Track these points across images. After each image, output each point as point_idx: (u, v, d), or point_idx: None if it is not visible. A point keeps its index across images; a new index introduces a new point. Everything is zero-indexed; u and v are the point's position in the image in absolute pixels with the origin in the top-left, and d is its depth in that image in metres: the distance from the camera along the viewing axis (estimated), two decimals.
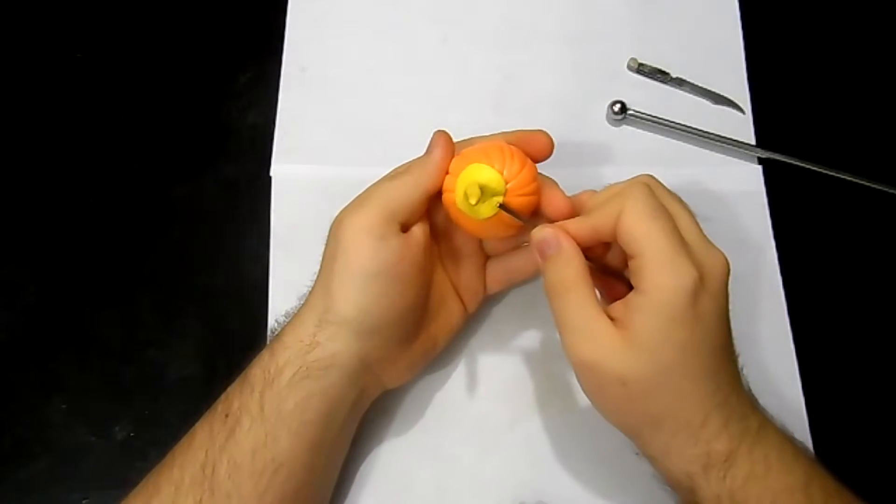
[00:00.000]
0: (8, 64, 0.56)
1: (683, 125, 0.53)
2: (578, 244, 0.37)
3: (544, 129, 0.42)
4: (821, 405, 0.47)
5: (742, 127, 0.54)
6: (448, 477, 0.45)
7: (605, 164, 0.53)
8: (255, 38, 0.57)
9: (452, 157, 0.41)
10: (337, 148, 0.53)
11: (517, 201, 0.39)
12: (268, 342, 0.41)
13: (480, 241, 0.45)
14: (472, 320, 0.47)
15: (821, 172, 0.52)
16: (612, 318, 0.35)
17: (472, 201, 0.38)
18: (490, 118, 0.54)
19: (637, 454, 0.39)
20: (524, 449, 0.46)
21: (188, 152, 0.54)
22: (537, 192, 0.40)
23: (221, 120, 0.55)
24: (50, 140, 0.54)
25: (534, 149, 0.41)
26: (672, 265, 0.34)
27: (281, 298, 0.49)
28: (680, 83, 0.55)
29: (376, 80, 0.55)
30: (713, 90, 0.54)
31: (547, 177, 0.41)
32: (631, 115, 0.54)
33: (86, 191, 0.53)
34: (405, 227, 0.40)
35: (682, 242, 0.35)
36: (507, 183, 0.38)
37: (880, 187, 0.52)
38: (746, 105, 0.54)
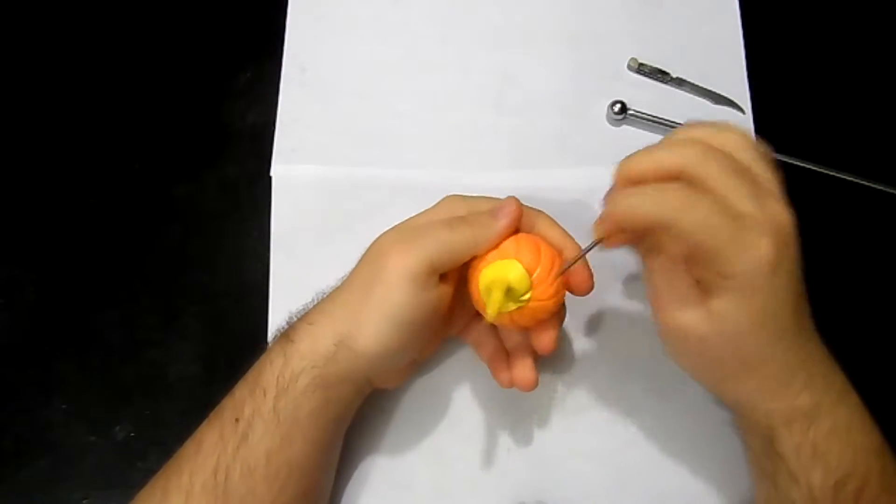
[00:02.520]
0: (8, 64, 0.56)
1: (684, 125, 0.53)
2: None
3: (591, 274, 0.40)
4: None
5: (742, 127, 0.54)
6: (448, 477, 0.45)
7: (605, 164, 0.52)
8: (255, 38, 0.57)
9: (517, 229, 0.40)
10: (337, 148, 0.53)
11: (525, 316, 0.39)
12: (274, 340, 0.41)
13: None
14: None
15: (821, 172, 0.52)
16: (696, 279, 0.36)
17: (491, 307, 0.37)
18: (490, 118, 0.54)
19: (716, 403, 0.42)
20: (524, 449, 0.46)
21: (188, 152, 0.54)
22: (550, 311, 0.39)
23: (221, 120, 0.55)
24: (50, 140, 0.54)
25: (575, 279, 0.40)
26: (741, 255, 0.33)
27: (281, 298, 0.49)
28: (680, 83, 0.55)
29: (376, 80, 0.55)
30: (713, 90, 0.54)
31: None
32: (631, 115, 0.53)
33: (86, 191, 0.53)
34: (443, 278, 0.40)
35: (748, 224, 0.33)
36: (531, 287, 0.38)
37: (880, 187, 0.52)
38: (746, 105, 0.54)
